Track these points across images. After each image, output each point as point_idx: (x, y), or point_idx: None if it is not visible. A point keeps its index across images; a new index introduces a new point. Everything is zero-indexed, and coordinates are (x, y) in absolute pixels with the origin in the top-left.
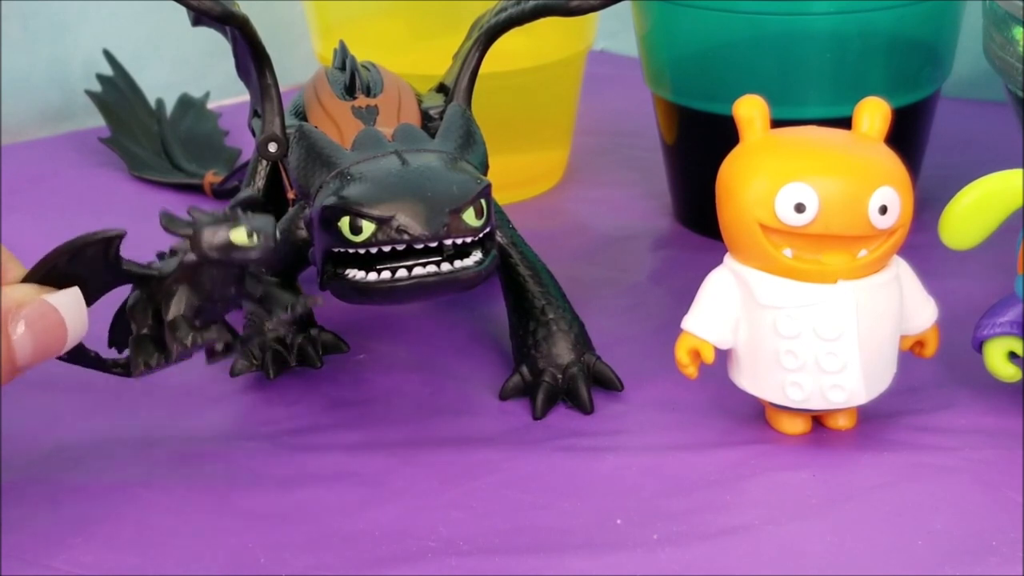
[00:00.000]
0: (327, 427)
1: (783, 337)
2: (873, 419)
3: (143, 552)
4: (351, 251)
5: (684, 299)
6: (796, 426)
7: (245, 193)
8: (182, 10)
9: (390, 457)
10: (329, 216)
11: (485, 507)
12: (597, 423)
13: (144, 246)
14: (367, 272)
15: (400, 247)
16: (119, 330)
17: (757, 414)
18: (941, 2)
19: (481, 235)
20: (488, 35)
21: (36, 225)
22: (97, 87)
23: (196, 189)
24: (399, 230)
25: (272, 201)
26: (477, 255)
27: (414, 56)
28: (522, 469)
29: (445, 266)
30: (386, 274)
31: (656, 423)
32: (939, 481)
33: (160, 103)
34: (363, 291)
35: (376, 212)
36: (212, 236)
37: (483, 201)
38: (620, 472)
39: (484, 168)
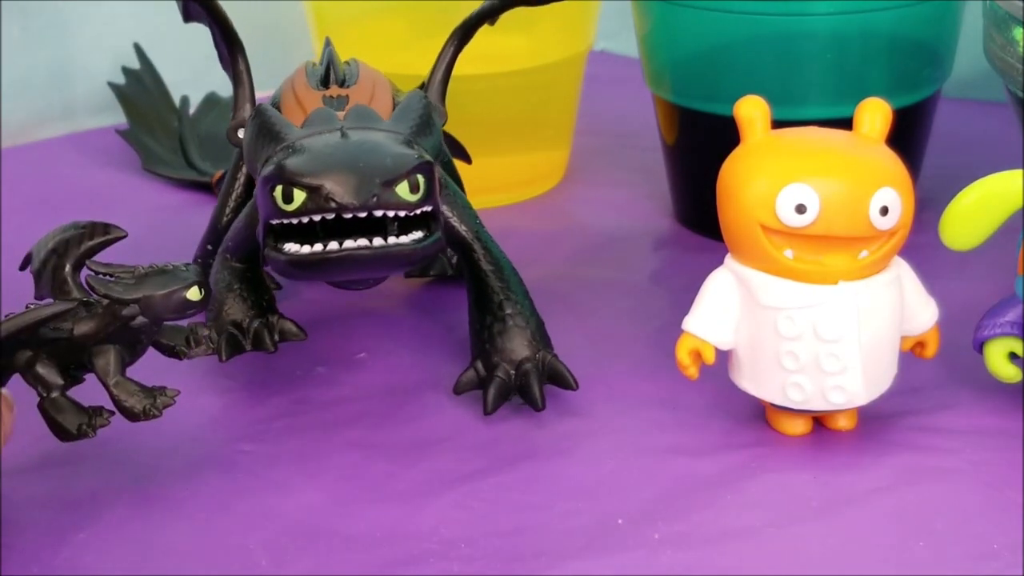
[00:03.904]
0: (327, 427)
1: (784, 338)
2: (874, 420)
3: (143, 552)
4: (286, 222)
5: (684, 299)
6: (797, 427)
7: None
8: None
9: (390, 458)
10: (265, 185)
11: (485, 508)
12: (598, 423)
13: (145, 245)
14: (302, 245)
15: (330, 217)
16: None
17: (758, 415)
18: (941, 3)
19: (418, 211)
20: (462, 30)
21: (36, 225)
22: (118, 80)
23: (204, 187)
24: (327, 198)
25: (250, 192)
26: (417, 234)
27: (414, 56)
28: (522, 470)
29: (378, 241)
30: (319, 246)
31: (656, 423)
32: (940, 482)
33: (184, 100)
34: (296, 264)
35: (306, 180)
36: (167, 299)
37: (420, 177)
38: (621, 472)
39: (436, 156)
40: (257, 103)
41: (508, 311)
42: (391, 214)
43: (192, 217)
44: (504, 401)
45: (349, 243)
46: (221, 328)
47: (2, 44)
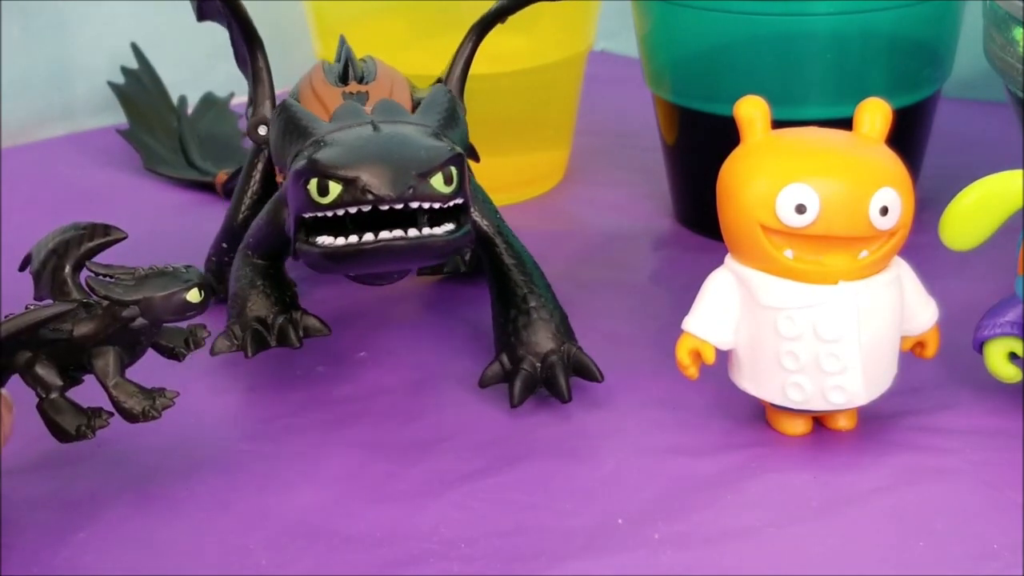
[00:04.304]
0: (327, 427)
1: (784, 338)
2: (874, 420)
3: (143, 552)
4: (320, 215)
5: (684, 299)
6: (797, 427)
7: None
8: (182, 10)
9: (390, 458)
10: (299, 179)
11: (486, 508)
12: (598, 423)
13: (146, 246)
14: (336, 237)
15: (366, 209)
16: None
17: (758, 415)
18: (941, 2)
19: (451, 203)
20: (480, 26)
21: (36, 225)
22: (118, 80)
23: (207, 187)
24: (364, 190)
25: (267, 190)
26: (449, 226)
27: (414, 56)
28: (523, 470)
29: (412, 232)
30: (353, 238)
31: (656, 423)
32: (940, 482)
33: (183, 100)
34: (331, 257)
35: (342, 172)
36: (167, 301)
37: (454, 169)
38: (621, 472)
39: (464, 148)
40: (282, 101)
41: (532, 304)
42: (425, 206)
43: (193, 217)
44: (530, 394)
45: (385, 234)
46: (245, 324)
47: (2, 44)
